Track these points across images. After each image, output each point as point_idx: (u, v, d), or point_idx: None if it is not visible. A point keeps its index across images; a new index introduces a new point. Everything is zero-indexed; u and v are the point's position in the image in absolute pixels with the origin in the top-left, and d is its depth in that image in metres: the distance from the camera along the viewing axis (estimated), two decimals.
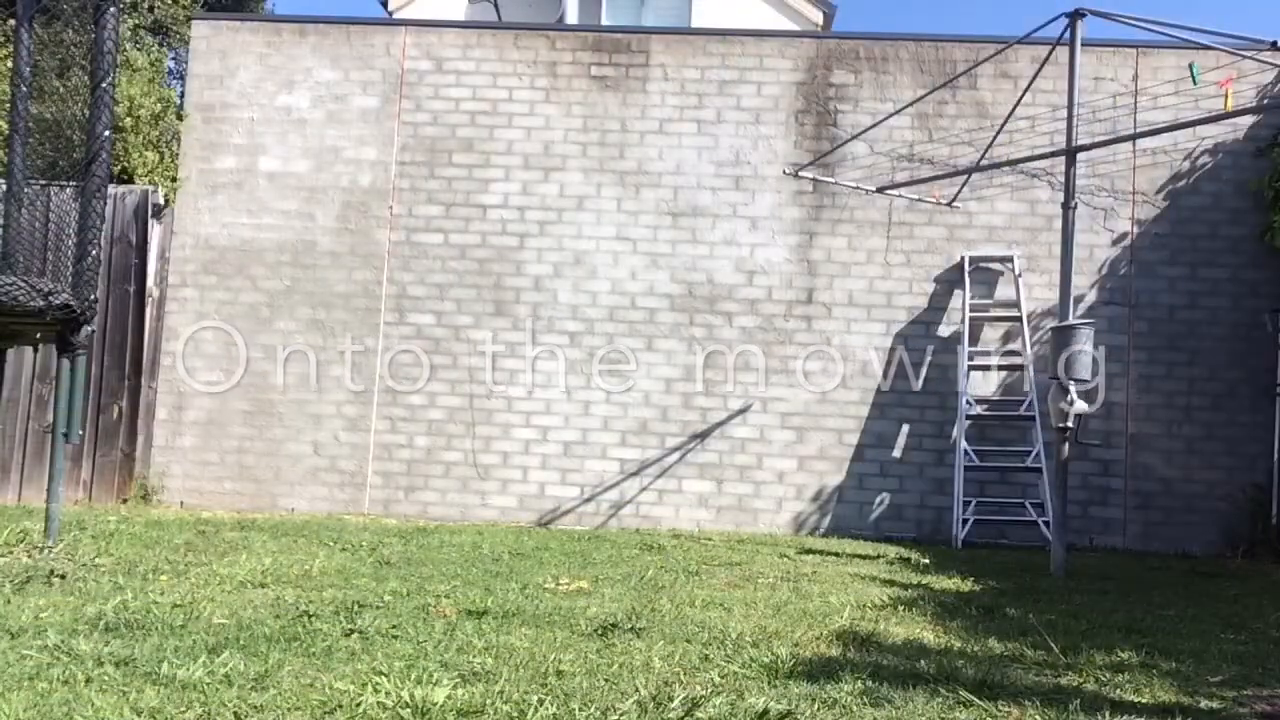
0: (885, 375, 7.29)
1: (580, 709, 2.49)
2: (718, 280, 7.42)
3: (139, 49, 9.37)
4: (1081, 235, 6.78)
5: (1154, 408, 7.13)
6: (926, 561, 5.78)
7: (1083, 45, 5.74)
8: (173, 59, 12.93)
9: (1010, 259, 7.22)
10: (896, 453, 7.25)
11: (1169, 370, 7.16)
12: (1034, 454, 6.90)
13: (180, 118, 7.85)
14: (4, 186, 5.02)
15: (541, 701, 2.52)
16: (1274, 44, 5.29)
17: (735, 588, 4.46)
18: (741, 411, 7.34)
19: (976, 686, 2.83)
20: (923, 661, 3.12)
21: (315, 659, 2.88)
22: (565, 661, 2.93)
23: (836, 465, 7.26)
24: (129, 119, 7.58)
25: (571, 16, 11.97)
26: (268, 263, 7.58)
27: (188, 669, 2.72)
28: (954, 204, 7.21)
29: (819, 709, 2.57)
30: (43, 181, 5.27)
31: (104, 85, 4.72)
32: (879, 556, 6.03)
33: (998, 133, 6.86)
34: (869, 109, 7.41)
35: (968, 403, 7.06)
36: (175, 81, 12.01)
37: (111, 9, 4.71)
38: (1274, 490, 6.87)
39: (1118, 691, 2.86)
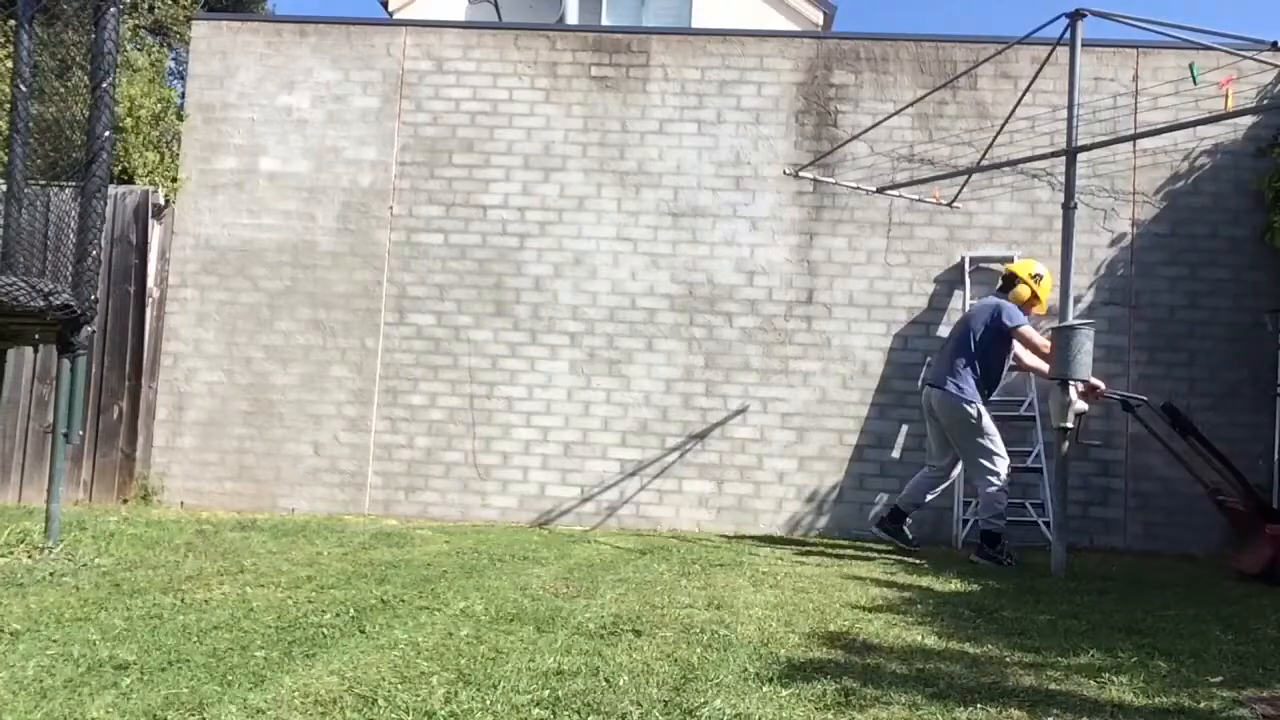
0: (885, 375, 7.29)
1: (579, 710, 2.49)
2: (718, 280, 7.42)
3: (139, 49, 9.37)
4: (1081, 235, 6.78)
5: (1154, 408, 7.12)
6: (926, 563, 5.78)
7: (1083, 45, 5.74)
8: (173, 59, 12.92)
9: (1011, 259, 7.21)
10: (896, 453, 7.25)
11: (1169, 371, 7.16)
12: (1034, 454, 6.90)
13: (180, 118, 7.85)
14: (4, 186, 5.01)
15: (541, 703, 2.52)
16: (1274, 44, 5.29)
17: (735, 589, 4.46)
18: (741, 411, 7.34)
19: (976, 688, 2.82)
20: (922, 662, 3.12)
21: (316, 660, 2.88)
22: (565, 663, 2.93)
23: (836, 465, 7.26)
24: (129, 119, 7.57)
25: (571, 17, 11.98)
26: (268, 263, 7.58)
27: (188, 670, 2.72)
28: (954, 204, 7.22)
29: (819, 711, 2.57)
30: (43, 181, 5.27)
31: (104, 85, 4.72)
32: (878, 557, 6.03)
33: (998, 133, 6.86)
34: (869, 109, 7.41)
35: None
36: (175, 81, 12.00)
37: (111, 9, 4.71)
38: (1274, 490, 6.86)
39: (1118, 692, 2.86)
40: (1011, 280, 6.34)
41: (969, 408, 6.01)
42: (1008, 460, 6.05)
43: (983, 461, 6.00)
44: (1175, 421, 6.17)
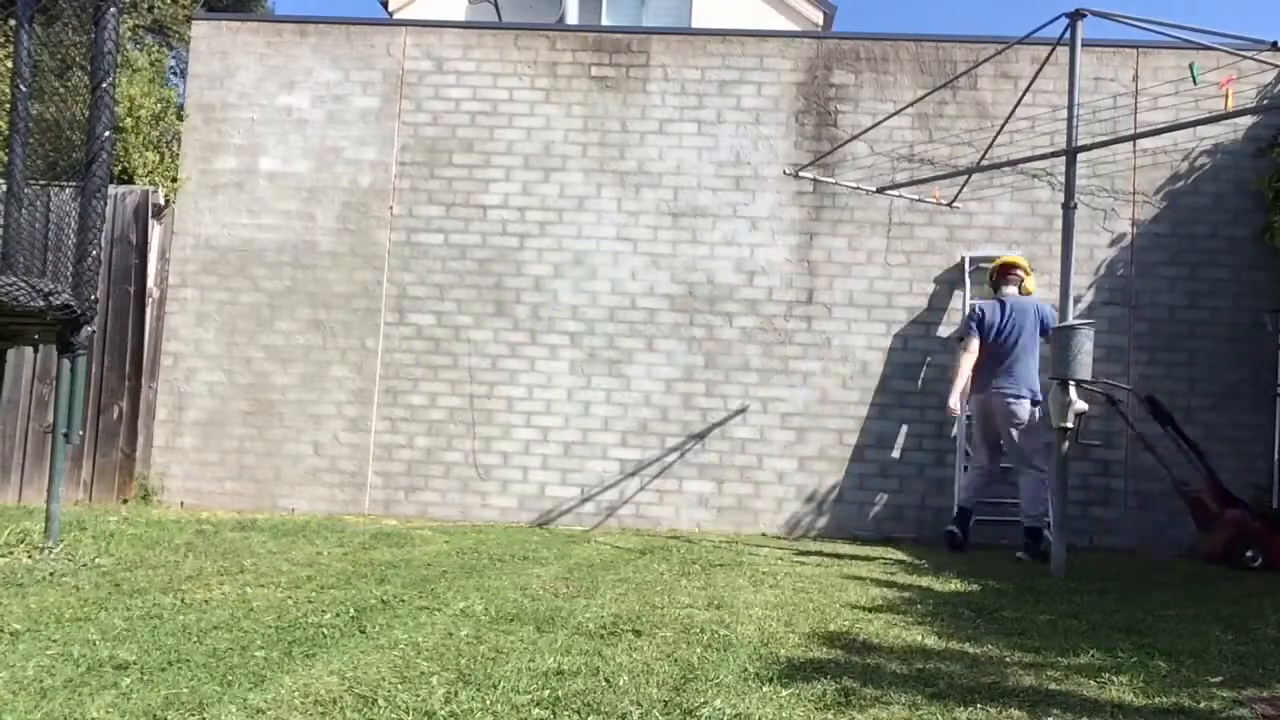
0: (885, 375, 7.29)
1: (579, 710, 2.49)
2: (718, 280, 7.42)
3: (139, 49, 9.37)
4: (1081, 235, 6.78)
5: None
6: (926, 563, 5.78)
7: (1083, 45, 5.74)
8: (173, 59, 12.92)
9: None
10: (896, 453, 7.25)
11: (1169, 371, 7.16)
12: None
13: (180, 118, 7.85)
14: (4, 186, 5.01)
15: (541, 703, 2.52)
16: (1274, 44, 5.29)
17: (735, 589, 4.46)
18: (741, 411, 7.34)
19: (976, 688, 2.82)
20: (922, 662, 3.12)
21: (316, 660, 2.88)
22: (565, 663, 2.93)
23: (836, 466, 7.26)
24: (129, 119, 7.57)
25: (572, 17, 11.98)
26: (268, 263, 7.58)
27: (188, 670, 2.72)
28: (954, 204, 7.22)
29: (819, 711, 2.57)
30: (43, 181, 5.27)
31: (104, 85, 4.71)
32: (878, 557, 6.03)
33: (998, 133, 6.86)
34: (869, 109, 7.41)
35: (968, 403, 7.06)
36: (175, 81, 12.00)
37: (111, 9, 4.71)
38: (1274, 491, 6.86)
39: (1118, 692, 2.86)
40: (1020, 278, 6.68)
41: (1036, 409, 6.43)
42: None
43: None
44: (1155, 413, 6.55)
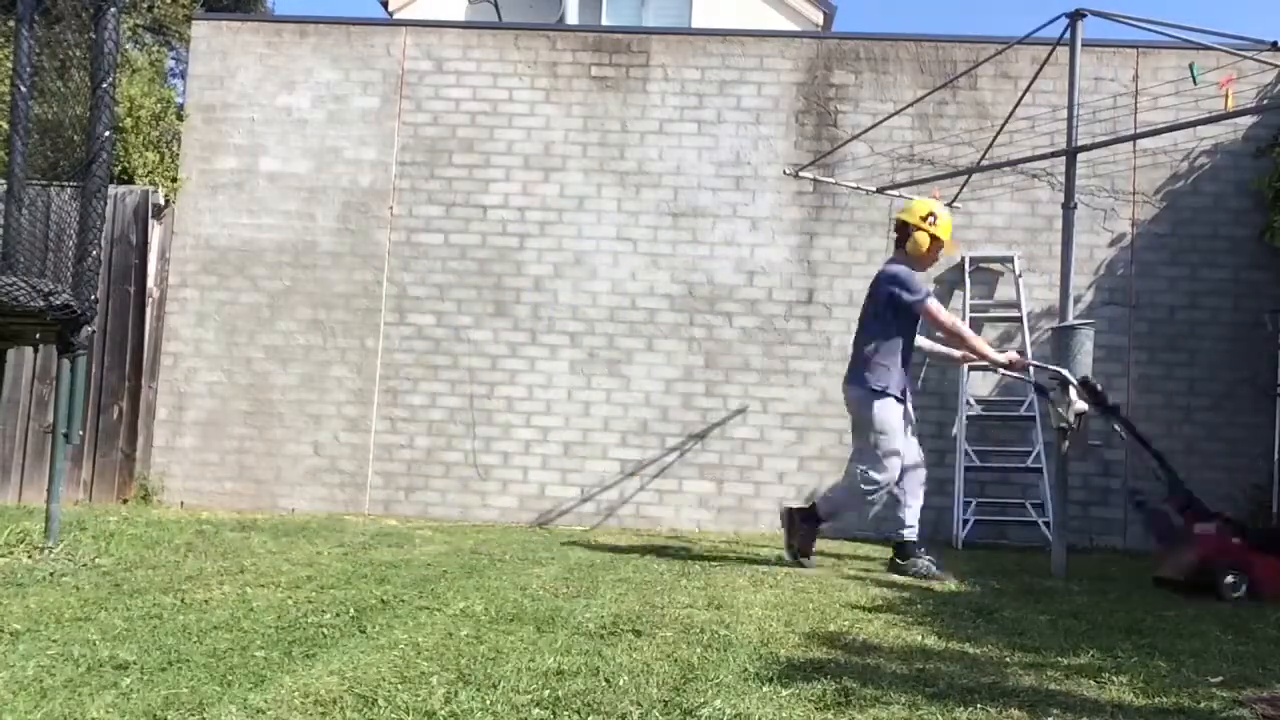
0: None
1: (579, 710, 2.49)
2: (718, 280, 7.42)
3: (139, 49, 9.36)
4: (1081, 235, 6.77)
5: (1154, 408, 7.12)
6: None
7: (1083, 45, 5.74)
8: (173, 59, 12.91)
9: (1010, 259, 7.22)
10: None
11: (1169, 371, 7.16)
12: (1034, 454, 6.90)
13: (180, 118, 7.85)
14: (4, 186, 5.01)
15: (541, 703, 2.52)
16: (1274, 44, 5.30)
17: (735, 589, 4.46)
18: (741, 411, 7.33)
19: (976, 688, 2.82)
20: (922, 662, 3.12)
21: (316, 660, 2.88)
22: (565, 663, 2.93)
23: (837, 466, 7.24)
24: (129, 119, 7.57)
25: (572, 17, 11.98)
26: (268, 263, 7.58)
27: (188, 670, 2.72)
28: (954, 204, 7.21)
29: (819, 711, 2.57)
30: (43, 181, 5.26)
31: (104, 85, 4.71)
32: (878, 557, 6.03)
33: (998, 133, 6.86)
34: (869, 109, 7.41)
35: (968, 403, 7.06)
36: (176, 80, 12.00)
37: (111, 9, 4.71)
38: (1274, 491, 6.86)
39: (1118, 692, 2.85)
40: (904, 230, 5.39)
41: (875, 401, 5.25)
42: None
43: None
44: (1096, 400, 5.30)
